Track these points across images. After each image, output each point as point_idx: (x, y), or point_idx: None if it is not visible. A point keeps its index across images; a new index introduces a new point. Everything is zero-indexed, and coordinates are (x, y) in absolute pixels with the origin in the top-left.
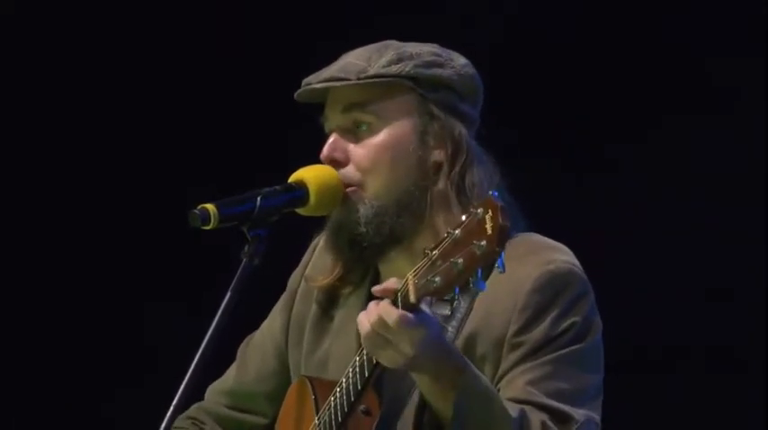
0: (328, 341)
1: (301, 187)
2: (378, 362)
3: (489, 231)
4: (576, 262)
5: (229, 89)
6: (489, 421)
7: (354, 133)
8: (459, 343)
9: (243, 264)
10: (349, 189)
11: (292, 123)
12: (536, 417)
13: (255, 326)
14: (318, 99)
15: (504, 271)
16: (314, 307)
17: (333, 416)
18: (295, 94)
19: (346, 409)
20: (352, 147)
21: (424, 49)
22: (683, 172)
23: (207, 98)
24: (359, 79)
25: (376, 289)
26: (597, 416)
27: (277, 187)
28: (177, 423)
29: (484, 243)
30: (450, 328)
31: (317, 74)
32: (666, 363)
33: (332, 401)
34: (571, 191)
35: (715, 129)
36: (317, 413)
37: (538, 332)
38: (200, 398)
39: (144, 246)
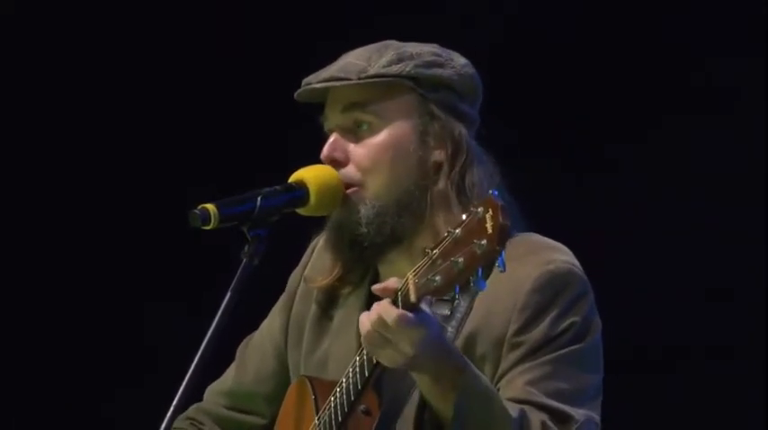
0: (328, 341)
1: (301, 187)
2: (378, 362)
3: (490, 230)
4: (576, 262)
5: (229, 89)
6: (489, 421)
7: (355, 133)
8: (458, 342)
9: (243, 264)
10: (350, 189)
11: (292, 123)
12: (536, 417)
13: (255, 326)
14: (318, 99)
15: (504, 270)
16: (313, 307)
17: (333, 416)
18: (295, 94)
19: (346, 409)
20: (352, 146)
21: (425, 49)
22: (683, 172)
23: (207, 98)
24: (359, 79)
25: (376, 287)
26: (597, 416)
27: (277, 187)
28: (176, 424)
29: (484, 242)
30: (449, 328)
31: (317, 74)
32: (666, 363)
33: (332, 401)
34: (571, 191)
35: (715, 129)
36: (317, 413)
37: (537, 332)
38: (200, 398)
39: (144, 246)
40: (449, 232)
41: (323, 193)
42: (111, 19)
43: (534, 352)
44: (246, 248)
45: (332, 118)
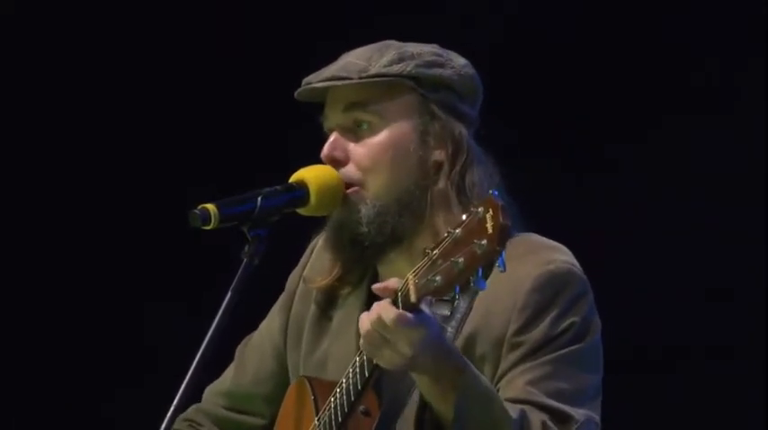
0: (327, 341)
1: (302, 187)
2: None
3: (490, 230)
4: (575, 262)
5: (229, 89)
6: (490, 422)
7: (355, 132)
8: (458, 342)
9: (243, 264)
10: (350, 189)
11: (292, 123)
12: (536, 417)
13: (255, 326)
14: (318, 98)
15: (504, 270)
16: (313, 307)
17: (333, 417)
18: (295, 93)
19: (346, 410)
20: (352, 146)
21: (425, 49)
22: (683, 172)
23: (207, 98)
24: (360, 78)
25: (376, 287)
26: (597, 416)
27: (277, 187)
28: (175, 425)
29: (484, 242)
30: (449, 328)
31: (317, 73)
32: (666, 363)
33: (332, 402)
34: (571, 191)
35: (715, 129)
36: (317, 414)
37: (537, 332)
38: (201, 398)
39: (144, 246)
40: (449, 232)
41: (323, 193)
42: (111, 19)
43: (534, 352)
44: (247, 248)
45: (332, 117)
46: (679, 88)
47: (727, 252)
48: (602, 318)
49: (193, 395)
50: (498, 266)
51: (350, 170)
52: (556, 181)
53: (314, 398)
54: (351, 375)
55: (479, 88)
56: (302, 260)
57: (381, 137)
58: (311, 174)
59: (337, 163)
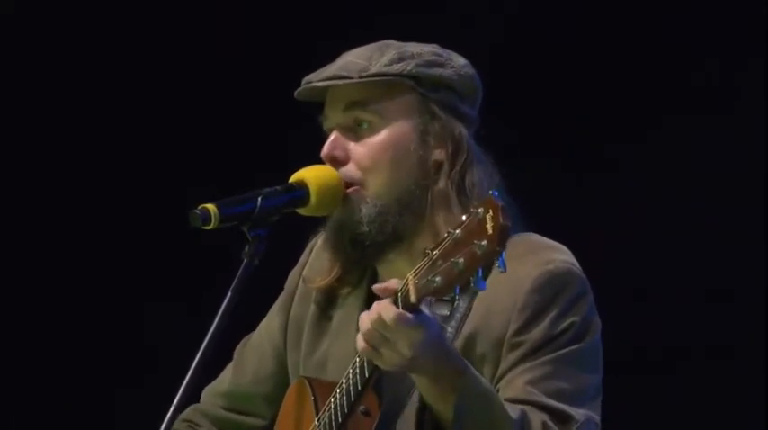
0: (327, 342)
1: (302, 187)
2: None
3: (490, 231)
4: (575, 261)
5: (229, 89)
6: (490, 423)
7: (355, 132)
8: (458, 343)
9: (243, 264)
10: (350, 189)
11: (292, 123)
12: (536, 417)
13: (255, 326)
14: (318, 98)
15: (505, 270)
16: (312, 307)
17: (333, 417)
18: (295, 93)
19: (346, 410)
20: (352, 145)
21: (425, 49)
22: (683, 172)
23: (207, 98)
24: (360, 78)
25: (377, 287)
26: (597, 416)
27: (277, 187)
28: (173, 425)
29: (485, 243)
30: (449, 328)
31: (317, 72)
32: (666, 363)
33: (332, 402)
34: (571, 191)
35: (715, 129)
36: (317, 414)
37: (537, 332)
38: (200, 399)
39: (144, 246)
40: (449, 233)
41: (323, 193)
42: (111, 19)
43: (534, 352)
44: (247, 248)
45: (332, 117)
46: (679, 88)
47: (727, 252)
48: (602, 319)
49: (193, 395)
50: (498, 267)
51: (350, 169)
52: (556, 181)
53: (314, 399)
54: (351, 375)
55: (479, 88)
56: (301, 260)
57: (381, 136)
58: (311, 175)
59: (337, 162)
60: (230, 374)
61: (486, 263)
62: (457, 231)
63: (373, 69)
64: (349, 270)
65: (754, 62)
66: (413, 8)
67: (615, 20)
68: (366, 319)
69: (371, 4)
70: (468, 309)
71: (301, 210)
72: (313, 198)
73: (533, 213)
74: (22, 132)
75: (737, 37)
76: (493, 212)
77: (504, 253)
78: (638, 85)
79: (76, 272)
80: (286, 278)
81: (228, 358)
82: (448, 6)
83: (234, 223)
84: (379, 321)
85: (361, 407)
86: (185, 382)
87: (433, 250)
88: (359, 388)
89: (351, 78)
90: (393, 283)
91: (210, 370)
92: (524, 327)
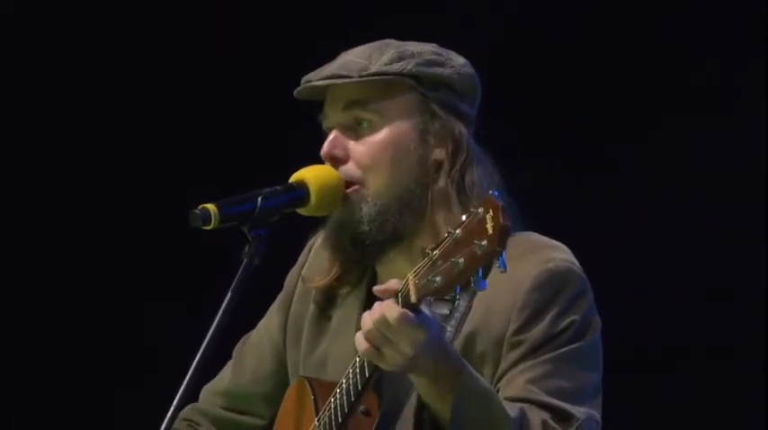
0: (326, 341)
1: (302, 187)
2: None
3: (490, 231)
4: (575, 260)
5: (229, 89)
6: (488, 422)
7: (355, 130)
8: (458, 342)
9: (243, 264)
10: (350, 188)
11: (292, 123)
12: (536, 416)
13: (255, 326)
14: (318, 97)
15: (505, 270)
16: (312, 307)
17: (333, 417)
18: (294, 92)
19: (346, 410)
20: (352, 144)
21: (425, 48)
22: (683, 172)
23: (207, 98)
24: (360, 77)
25: (377, 289)
26: (597, 414)
27: (278, 187)
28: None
29: (485, 243)
30: (449, 328)
31: (317, 71)
32: (666, 363)
33: (332, 402)
34: (571, 191)
35: (715, 129)
36: (317, 414)
37: (537, 331)
38: (199, 398)
39: (144, 246)
40: (449, 233)
41: (323, 193)
42: (111, 19)
43: (534, 350)
44: (247, 248)
45: (332, 116)
46: (679, 88)
47: (727, 252)
48: (602, 318)
49: (193, 395)
50: (499, 267)
51: (350, 168)
52: (556, 181)
53: (314, 399)
54: (351, 375)
55: (478, 87)
56: (300, 259)
57: (381, 135)
58: (311, 175)
59: (337, 161)
60: (229, 373)
61: (487, 263)
62: (457, 231)
63: (373, 68)
64: (348, 269)
65: (754, 62)
66: (413, 8)
67: (615, 20)
68: (368, 319)
69: (371, 4)
70: (468, 308)
71: (301, 210)
72: (313, 198)
73: (533, 213)
74: (22, 132)
75: (737, 37)
76: (493, 212)
77: (504, 253)
78: (638, 85)
79: (76, 272)
80: (285, 278)
81: (228, 358)
82: (448, 6)
83: (234, 223)
84: (383, 321)
85: (362, 407)
86: (185, 382)
87: (433, 250)
88: (359, 388)
89: (351, 77)
90: (393, 284)
91: (210, 370)
92: (524, 326)
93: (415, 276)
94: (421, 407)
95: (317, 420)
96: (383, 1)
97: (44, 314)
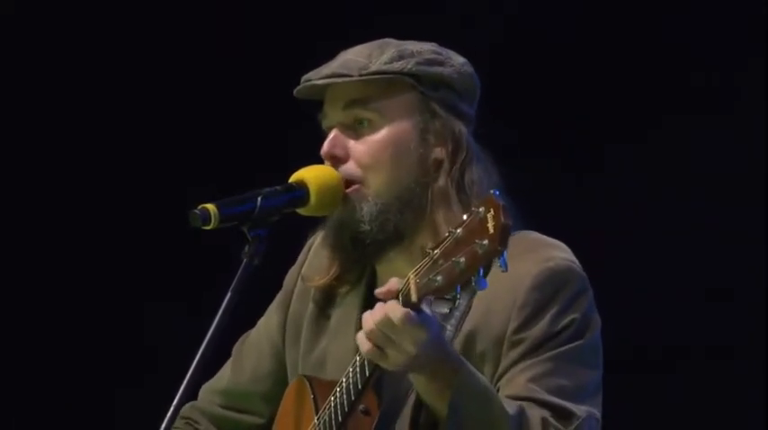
0: (326, 340)
1: (302, 187)
2: None
3: (491, 230)
4: (575, 259)
5: (229, 89)
6: (486, 419)
7: (355, 130)
8: (458, 341)
9: (243, 264)
10: (350, 188)
11: (292, 123)
12: (536, 414)
13: (255, 326)
14: (317, 96)
15: (506, 270)
16: (311, 306)
17: (333, 416)
18: (294, 91)
19: (346, 409)
20: (352, 143)
21: (425, 48)
22: (683, 172)
23: (207, 98)
24: (361, 76)
25: (379, 291)
26: (598, 412)
27: (277, 187)
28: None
29: (486, 242)
30: (448, 327)
31: (317, 70)
32: (666, 363)
33: (332, 401)
34: (571, 191)
35: (715, 129)
36: (317, 413)
37: (538, 329)
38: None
39: (144, 246)
40: (450, 232)
41: (323, 193)
42: (111, 19)
43: (535, 349)
44: (247, 248)
45: (332, 115)
46: (679, 88)
47: (727, 252)
48: (602, 318)
49: (193, 395)
50: (500, 266)
51: (350, 167)
52: (556, 181)
53: (313, 397)
54: (351, 374)
55: (477, 87)
56: (300, 258)
57: (382, 134)
58: (311, 175)
59: (337, 160)
60: (229, 372)
61: (488, 262)
62: (458, 230)
63: (373, 67)
64: (348, 269)
65: (754, 62)
66: (413, 8)
67: (615, 20)
68: (370, 320)
69: (371, 4)
70: (468, 307)
71: (301, 211)
72: (313, 198)
73: (533, 213)
74: (22, 132)
75: (737, 37)
76: (494, 211)
77: (505, 252)
78: (638, 85)
79: (77, 272)
80: (285, 277)
81: (228, 358)
82: (448, 6)
83: (234, 223)
84: (386, 322)
85: (361, 406)
86: (185, 382)
87: (433, 249)
88: (359, 387)
89: (351, 76)
90: (394, 284)
91: (210, 369)
92: (525, 325)
93: (415, 275)
94: (418, 406)
95: (317, 419)
96: (383, 1)
97: (44, 314)
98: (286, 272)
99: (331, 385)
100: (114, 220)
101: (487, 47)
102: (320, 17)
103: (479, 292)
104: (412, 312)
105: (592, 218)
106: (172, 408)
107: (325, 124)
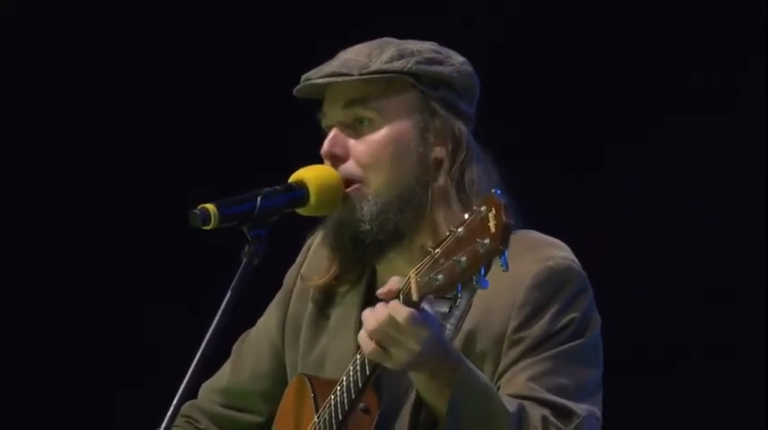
0: (325, 340)
1: (301, 187)
2: None
3: (493, 229)
4: (575, 258)
5: (229, 89)
6: (486, 417)
7: (355, 129)
8: (458, 340)
9: (243, 264)
10: (350, 187)
11: (292, 123)
12: (536, 412)
13: (255, 325)
14: (317, 95)
15: (507, 269)
16: (310, 305)
17: (333, 415)
18: (294, 90)
19: (347, 408)
20: (352, 142)
21: (424, 47)
22: (683, 172)
23: (207, 98)
24: (361, 75)
25: (381, 292)
26: (598, 411)
27: (277, 187)
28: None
29: (487, 241)
30: (448, 326)
31: (316, 69)
32: (666, 363)
33: (332, 399)
34: (571, 191)
35: (715, 129)
36: (317, 411)
37: (538, 328)
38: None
39: (144, 246)
40: (451, 231)
41: (323, 193)
42: (111, 19)
43: (535, 348)
44: (246, 248)
45: (332, 114)
46: (679, 88)
47: (727, 252)
48: (602, 318)
49: (193, 394)
50: (501, 266)
51: (350, 166)
52: (556, 181)
53: (314, 396)
54: (351, 373)
55: (477, 86)
56: (299, 258)
57: (382, 133)
58: (311, 175)
59: (337, 159)
60: (228, 371)
61: (489, 261)
62: (459, 229)
63: (374, 66)
64: (348, 268)
65: (754, 62)
66: (413, 8)
67: (615, 20)
68: (373, 320)
69: (371, 4)
70: (468, 306)
71: (301, 211)
72: (313, 198)
73: (533, 213)
74: (21, 132)
75: (737, 37)
76: (495, 210)
77: (507, 251)
78: (638, 85)
79: (77, 272)
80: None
81: (227, 358)
82: (448, 6)
83: (234, 223)
84: (391, 322)
85: (361, 405)
86: (185, 382)
87: (434, 248)
88: (359, 385)
89: (351, 75)
90: (395, 283)
91: (210, 369)
92: (524, 324)
93: (416, 274)
94: (417, 404)
95: (317, 417)
96: (383, 1)
97: (44, 314)
98: (286, 272)
99: (331, 384)
100: (114, 220)
101: (487, 47)
102: (320, 17)
103: (479, 291)
104: (416, 312)
105: (592, 218)
106: (172, 408)
107: (324, 123)
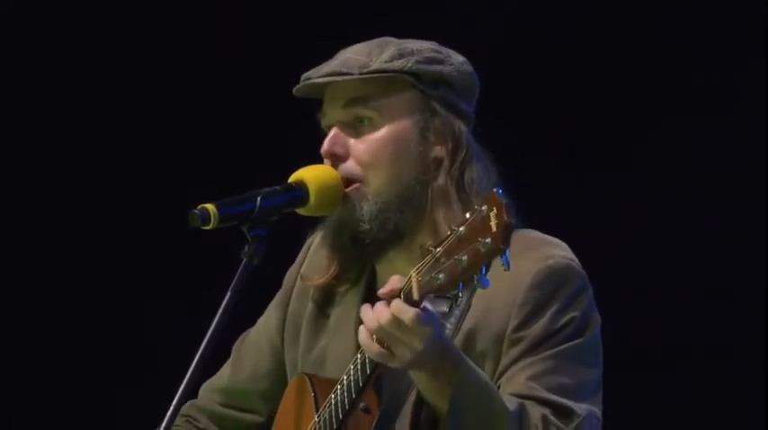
0: (325, 339)
1: (301, 187)
2: None
3: (494, 228)
4: (574, 257)
5: (229, 89)
6: (486, 415)
7: (355, 128)
8: (458, 339)
9: (243, 263)
10: (350, 187)
11: (292, 123)
12: (537, 411)
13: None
14: (317, 94)
15: (509, 268)
16: (310, 305)
17: (333, 414)
18: (294, 89)
19: (347, 407)
20: (352, 141)
21: (424, 46)
22: (683, 172)
23: (207, 98)
24: (361, 74)
25: (382, 291)
26: (598, 411)
27: (277, 187)
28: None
29: (489, 240)
30: (448, 325)
31: (317, 68)
32: (666, 363)
33: (332, 399)
34: (571, 191)
35: (715, 129)
36: (317, 411)
37: (538, 327)
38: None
39: (144, 246)
40: (452, 230)
41: (323, 193)
42: (111, 19)
43: (535, 347)
44: (246, 248)
45: (332, 113)
46: (679, 88)
47: (727, 252)
48: (602, 318)
49: (193, 395)
50: (503, 265)
51: (350, 166)
52: (556, 181)
53: (314, 395)
54: (352, 372)
55: (477, 85)
56: (299, 257)
57: (382, 133)
58: (310, 174)
59: (337, 158)
60: (228, 370)
61: (490, 260)
62: (460, 228)
63: (374, 66)
64: (347, 268)
65: (754, 62)
66: (413, 8)
67: (615, 20)
68: (375, 320)
69: (371, 4)
70: (468, 305)
71: (301, 210)
72: (312, 198)
73: (533, 213)
74: (21, 132)
75: (737, 37)
76: (497, 210)
77: (508, 251)
78: (638, 85)
79: (77, 272)
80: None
81: (227, 358)
82: (448, 6)
83: (233, 223)
84: (395, 321)
85: (362, 405)
86: (185, 382)
87: (435, 247)
88: (360, 385)
89: (351, 74)
90: (396, 282)
91: (210, 369)
92: (524, 323)
93: (417, 273)
94: (418, 403)
95: (317, 417)
96: (383, 1)
97: (44, 314)
98: (286, 272)
99: (331, 383)
100: (114, 220)
101: (487, 47)
102: (320, 17)
103: (479, 291)
104: (421, 312)
105: (592, 218)
106: (172, 407)
107: (324, 123)
